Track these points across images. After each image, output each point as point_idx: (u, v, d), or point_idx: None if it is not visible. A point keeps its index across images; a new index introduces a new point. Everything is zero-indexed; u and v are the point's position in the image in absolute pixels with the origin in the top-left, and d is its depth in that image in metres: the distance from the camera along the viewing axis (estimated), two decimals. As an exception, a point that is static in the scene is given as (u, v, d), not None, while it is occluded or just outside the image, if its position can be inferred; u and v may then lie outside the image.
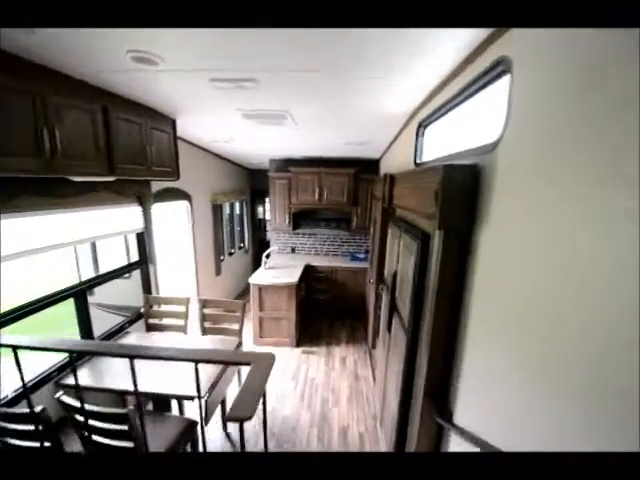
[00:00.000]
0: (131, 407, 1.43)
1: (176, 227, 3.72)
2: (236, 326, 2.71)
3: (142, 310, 2.85)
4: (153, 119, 2.34)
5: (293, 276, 3.73)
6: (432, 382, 1.28)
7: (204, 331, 2.80)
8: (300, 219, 4.74)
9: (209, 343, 2.49)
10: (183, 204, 3.60)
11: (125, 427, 1.44)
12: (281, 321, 3.70)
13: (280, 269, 4.12)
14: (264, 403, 1.50)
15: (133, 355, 1.29)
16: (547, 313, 0.76)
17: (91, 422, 1.47)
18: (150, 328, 2.82)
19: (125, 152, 2.06)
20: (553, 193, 0.76)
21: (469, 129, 1.44)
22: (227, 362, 1.70)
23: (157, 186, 2.97)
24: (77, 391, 1.50)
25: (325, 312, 4.59)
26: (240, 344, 2.60)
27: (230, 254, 5.27)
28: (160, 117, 2.44)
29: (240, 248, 5.80)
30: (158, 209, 3.18)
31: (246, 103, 2.12)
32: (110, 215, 2.43)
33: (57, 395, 1.49)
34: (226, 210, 5.17)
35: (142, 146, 2.22)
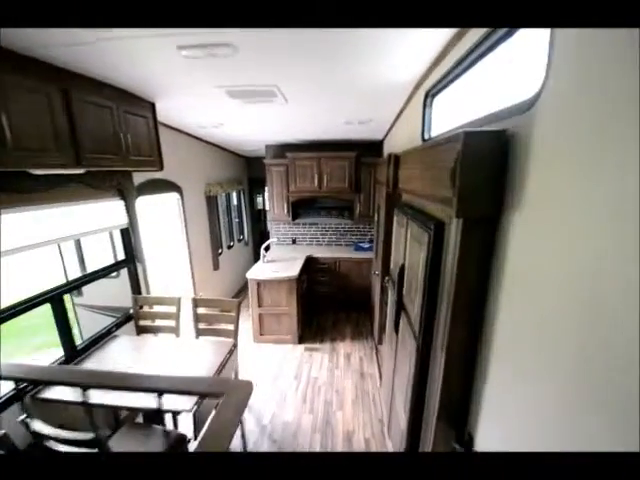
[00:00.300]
0: (103, 432, 1.25)
1: (167, 221, 3.52)
2: (231, 327, 2.53)
3: (131, 312, 2.68)
4: (128, 102, 2.11)
5: (293, 269, 3.53)
6: (447, 403, 1.07)
7: (198, 332, 2.63)
8: (300, 208, 4.50)
9: (202, 346, 2.31)
10: (173, 196, 3.39)
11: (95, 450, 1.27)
12: (282, 317, 3.52)
13: (280, 262, 3.92)
14: (243, 436, 1.30)
15: (85, 385, 1.10)
16: (606, 322, 0.53)
17: (60, 447, 1.31)
18: (141, 330, 2.67)
19: (94, 140, 1.84)
20: (618, 162, 0.52)
21: (489, 90, 1.18)
22: (195, 393, 1.50)
23: (141, 177, 2.76)
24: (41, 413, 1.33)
25: (329, 306, 4.41)
26: (235, 346, 2.43)
27: (229, 247, 5.08)
28: (136, 100, 2.20)
29: (240, 240, 5.61)
30: (144, 203, 2.98)
31: (227, 78, 1.86)
32: (87, 211, 2.23)
33: (20, 418, 1.32)
34: (222, 201, 4.96)
35: (115, 133, 1.99)
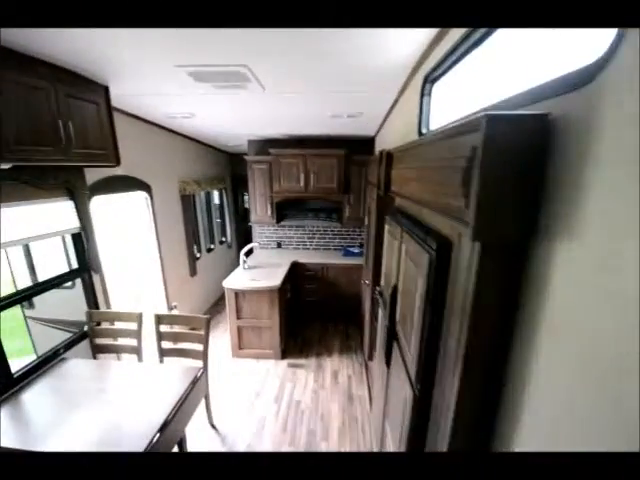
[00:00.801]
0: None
1: (134, 224, 3.19)
2: (200, 347, 2.23)
3: (86, 329, 2.36)
4: (71, 84, 1.79)
5: (276, 278, 3.24)
6: None
7: (162, 353, 2.32)
8: (285, 210, 4.21)
9: (165, 372, 2.01)
10: (139, 196, 3.06)
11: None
12: (263, 330, 3.23)
13: (262, 269, 3.62)
14: None
15: None
16: None
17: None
18: (98, 350, 2.35)
19: (23, 129, 1.52)
20: None
21: (512, 65, 0.91)
22: None
23: (97, 174, 2.43)
24: None
25: (316, 316, 4.13)
26: (204, 370, 2.13)
27: (209, 250, 4.76)
28: (82, 82, 1.88)
29: (222, 243, 5.29)
30: (102, 203, 2.65)
31: (187, 55, 1.56)
32: (28, 213, 1.90)
33: None
34: (201, 200, 4.63)
35: (52, 121, 1.67)
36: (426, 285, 0.95)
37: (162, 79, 1.92)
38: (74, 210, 2.21)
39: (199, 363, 2.24)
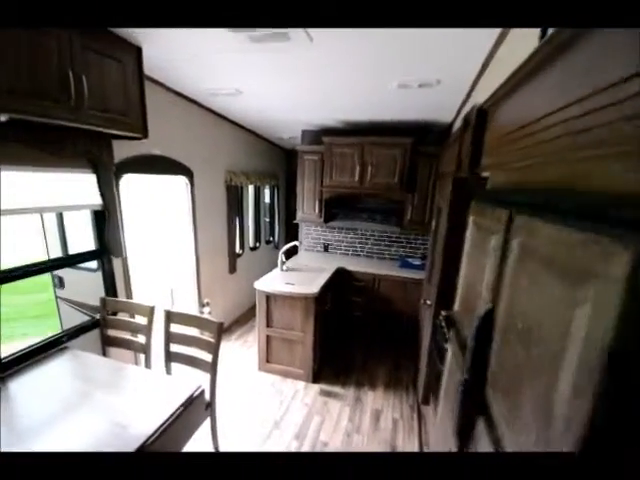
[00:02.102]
0: None
1: (170, 210, 3.01)
2: (209, 357, 1.83)
3: (98, 317, 2.15)
4: (93, 37, 1.56)
5: (315, 284, 2.74)
6: None
7: (169, 357, 1.98)
8: (335, 208, 3.71)
9: (159, 385, 1.63)
10: (179, 180, 2.86)
11: None
12: (294, 344, 2.74)
13: (302, 272, 3.16)
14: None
15: None
16: None
17: None
18: (108, 342, 2.11)
19: (19, 75, 1.29)
20: None
21: None
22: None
23: (129, 150, 2.24)
24: None
25: (360, 335, 3.51)
26: (212, 387, 1.72)
27: (254, 248, 4.49)
28: (109, 38, 1.65)
29: (268, 242, 5.01)
30: (137, 184, 2.47)
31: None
32: (38, 180, 1.73)
33: None
34: (250, 195, 4.40)
35: (60, 71, 1.44)
36: (614, 322, 0.33)
37: (201, 37, 1.60)
38: (96, 185, 2.02)
39: (207, 377, 1.84)
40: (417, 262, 3.43)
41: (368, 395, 2.66)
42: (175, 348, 1.97)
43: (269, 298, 2.71)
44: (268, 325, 2.76)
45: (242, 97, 2.63)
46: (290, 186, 5.52)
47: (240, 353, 3.23)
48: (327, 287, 2.89)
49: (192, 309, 3.27)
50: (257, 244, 4.64)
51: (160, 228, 3.02)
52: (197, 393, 1.55)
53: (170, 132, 2.63)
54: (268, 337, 2.80)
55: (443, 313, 2.22)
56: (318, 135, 3.51)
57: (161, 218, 2.99)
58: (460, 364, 1.04)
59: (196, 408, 1.58)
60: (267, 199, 5.15)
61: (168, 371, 2.00)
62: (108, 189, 2.07)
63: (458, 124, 2.60)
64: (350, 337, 3.53)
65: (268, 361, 2.87)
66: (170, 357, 1.97)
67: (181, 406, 1.44)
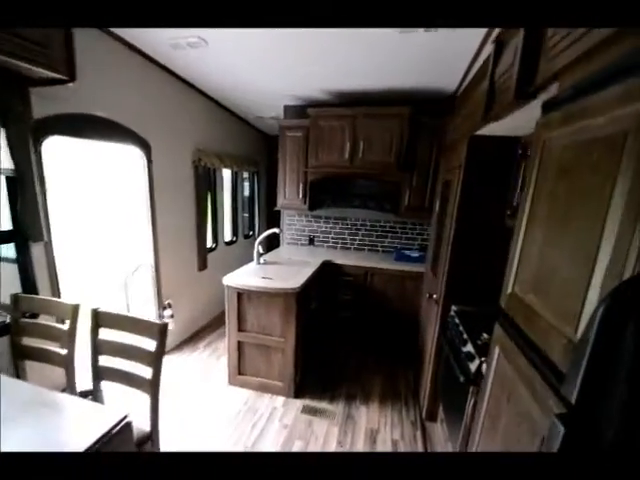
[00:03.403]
0: None
1: (122, 189, 2.52)
2: (148, 373, 1.36)
3: (8, 320, 1.65)
4: None
5: (296, 278, 2.30)
6: None
7: (98, 374, 1.50)
8: (323, 193, 3.29)
9: (61, 419, 1.15)
10: (132, 153, 2.38)
11: None
12: (272, 352, 2.29)
13: (282, 265, 2.72)
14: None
15: None
16: None
17: None
18: (21, 354, 1.61)
19: None
20: None
21: None
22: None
23: (63, 107, 1.76)
24: None
25: (350, 339, 3.09)
26: (127, 429, 1.24)
27: (230, 243, 4.02)
28: None
29: (247, 237, 4.54)
30: (77, 151, 1.99)
31: None
32: None
33: None
34: (226, 182, 3.93)
35: None
36: None
37: None
38: (4, 142, 1.53)
39: (146, 401, 1.38)
40: (415, 254, 3.05)
41: (361, 411, 2.23)
42: (106, 361, 1.50)
43: (241, 296, 2.25)
44: (240, 329, 2.30)
45: (208, 53, 2.18)
46: (272, 176, 5.05)
47: (208, 365, 2.74)
48: (312, 282, 2.46)
49: (150, 313, 2.78)
50: (234, 238, 4.17)
51: (108, 209, 2.52)
52: (117, 429, 1.08)
53: (120, 93, 2.16)
54: (240, 344, 2.34)
55: (454, 308, 1.83)
56: (303, 110, 3.10)
57: (109, 197, 2.50)
58: (528, 376, 0.64)
59: (120, 447, 1.11)
60: (247, 191, 4.69)
61: (96, 393, 1.51)
62: (22, 150, 1.59)
63: (463, 97, 2.23)
64: (338, 341, 3.10)
65: (240, 373, 2.40)
66: (99, 373, 1.49)
67: (94, 444, 0.97)
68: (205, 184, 3.22)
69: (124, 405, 1.19)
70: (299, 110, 3.21)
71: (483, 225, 1.77)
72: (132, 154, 2.39)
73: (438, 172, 2.65)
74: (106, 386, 1.52)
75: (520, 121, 1.22)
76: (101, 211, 2.63)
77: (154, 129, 2.51)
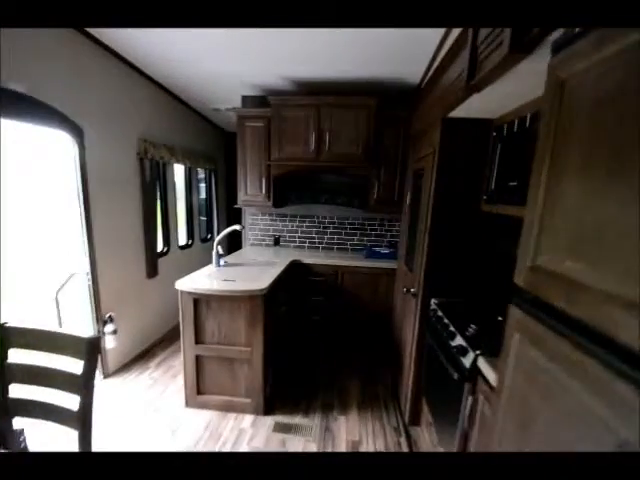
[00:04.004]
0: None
1: (49, 180, 2.12)
2: (74, 402, 1.06)
3: None
4: None
5: (263, 279, 2.07)
6: None
7: (6, 409, 1.15)
8: (288, 189, 3.10)
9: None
10: (60, 138, 2.00)
11: None
12: (237, 365, 2.02)
13: (245, 267, 2.47)
14: None
15: None
16: None
17: None
18: None
19: None
20: None
21: None
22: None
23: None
24: None
25: (322, 344, 2.90)
26: None
27: (184, 247, 3.64)
28: None
29: (205, 240, 4.17)
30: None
31: None
32: None
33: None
34: (179, 179, 3.57)
35: None
36: None
37: None
38: None
39: (73, 436, 1.07)
40: (385, 251, 2.96)
41: (339, 422, 2.04)
42: (20, 391, 1.15)
43: (199, 302, 1.96)
44: (198, 341, 2.01)
45: (154, 34, 1.91)
46: (232, 175, 4.75)
47: (161, 386, 2.38)
48: (280, 283, 2.25)
49: (87, 329, 2.36)
50: (189, 241, 3.79)
51: (33, 206, 2.10)
52: None
53: (44, 65, 1.80)
54: (199, 358, 2.04)
55: (435, 301, 1.73)
56: (263, 101, 2.89)
57: (34, 191, 2.08)
58: (578, 364, 0.50)
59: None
60: (204, 192, 4.34)
61: (7, 434, 1.15)
62: None
63: (429, 89, 2.19)
64: (310, 346, 2.90)
65: (200, 392, 2.09)
66: (9, 408, 1.14)
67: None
68: (154, 180, 2.87)
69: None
70: (259, 101, 3.00)
71: (460, 212, 1.70)
72: (60, 139, 2.00)
73: (406, 164, 2.60)
74: (24, 424, 1.17)
75: (508, 88, 1.14)
76: (24, 208, 2.18)
77: (88, 112, 2.14)
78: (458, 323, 1.43)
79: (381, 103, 2.59)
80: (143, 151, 2.69)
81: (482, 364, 1.13)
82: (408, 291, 1.93)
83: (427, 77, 2.38)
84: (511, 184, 1.39)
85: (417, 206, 2.00)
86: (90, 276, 2.29)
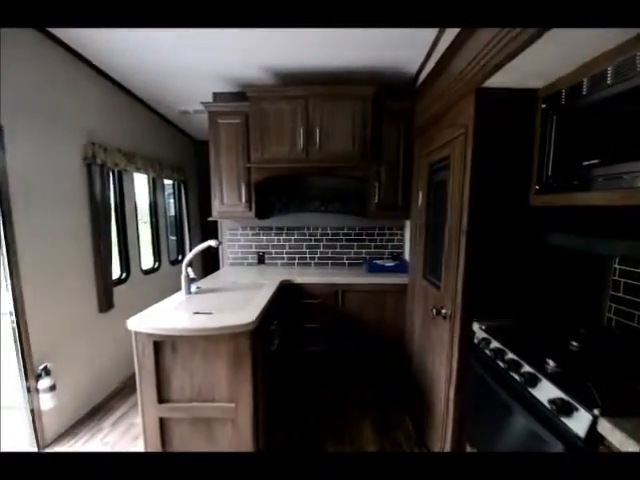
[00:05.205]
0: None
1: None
2: None
3: None
4: None
5: (248, 309, 1.59)
6: None
7: None
8: (271, 197, 2.66)
9: None
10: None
11: None
12: (217, 425, 1.50)
13: (224, 292, 1.98)
14: None
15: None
16: None
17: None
18: None
19: None
20: None
21: None
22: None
23: None
24: None
25: (322, 381, 2.40)
26: None
27: (149, 271, 3.08)
28: None
29: (175, 262, 3.61)
30: None
31: None
32: None
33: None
34: (142, 191, 3.05)
35: None
36: None
37: None
38: None
39: None
40: (389, 263, 2.56)
41: (358, 493, 1.55)
42: None
43: (161, 346, 1.45)
44: (162, 399, 1.47)
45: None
46: (205, 188, 4.27)
47: (120, 449, 1.80)
48: (271, 311, 1.77)
49: (14, 387, 1.77)
50: (156, 264, 3.23)
51: None
52: None
53: None
54: (163, 422, 1.50)
55: (480, 326, 1.33)
56: (239, 98, 2.48)
57: None
58: None
59: None
60: (172, 209, 3.81)
61: None
62: None
63: (428, 81, 1.87)
64: (308, 386, 2.40)
65: (167, 468, 1.54)
66: None
67: None
68: (106, 192, 2.34)
69: None
70: (234, 98, 2.58)
71: (505, 207, 1.34)
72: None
73: (411, 162, 2.25)
74: None
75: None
76: None
77: (11, 105, 1.64)
78: (529, 358, 1.03)
79: (378, 94, 2.25)
80: (91, 156, 2.18)
81: (607, 430, 0.72)
82: (439, 313, 1.52)
83: (424, 68, 2.06)
84: (587, 163, 1.04)
85: (440, 205, 1.63)
86: (14, 317, 1.72)
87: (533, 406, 0.94)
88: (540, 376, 0.94)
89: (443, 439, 1.54)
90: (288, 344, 2.29)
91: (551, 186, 1.21)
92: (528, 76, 1.19)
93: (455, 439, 1.46)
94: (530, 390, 0.96)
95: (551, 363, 0.98)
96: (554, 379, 0.90)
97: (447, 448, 1.50)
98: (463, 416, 1.41)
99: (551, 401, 0.85)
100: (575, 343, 1.12)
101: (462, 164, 1.36)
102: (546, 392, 0.90)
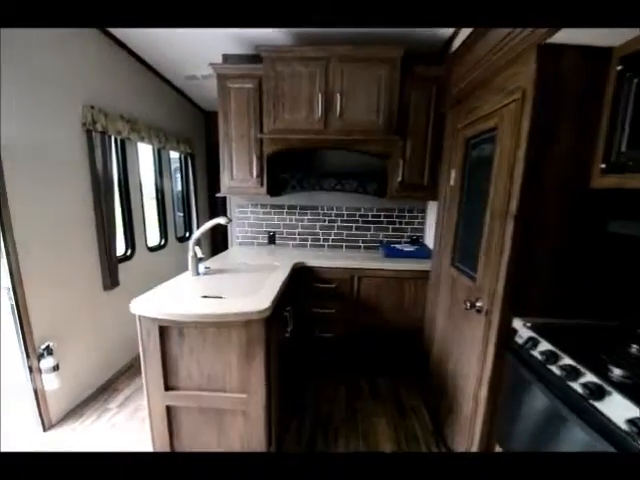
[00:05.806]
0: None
1: None
2: None
3: None
4: None
5: (261, 292, 1.47)
6: None
7: None
8: (285, 171, 2.48)
9: None
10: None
11: None
12: (227, 416, 1.42)
13: (233, 275, 1.86)
14: None
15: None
16: None
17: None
18: None
19: None
20: None
21: None
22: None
23: None
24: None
25: (335, 369, 2.32)
26: None
27: (155, 248, 2.97)
28: None
29: (183, 239, 3.49)
30: None
31: None
32: None
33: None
34: (148, 161, 2.88)
35: None
36: None
37: None
38: None
39: None
40: (409, 248, 2.41)
41: (374, 489, 1.48)
42: None
43: (168, 332, 1.34)
44: (169, 386, 1.38)
45: None
46: (214, 162, 4.08)
47: (126, 435, 1.76)
48: (284, 297, 1.64)
49: (14, 366, 1.70)
50: (162, 241, 3.11)
51: None
52: None
53: None
54: (171, 410, 1.42)
55: (525, 323, 1.18)
56: (251, 60, 2.25)
57: None
58: None
59: None
60: (178, 183, 3.65)
61: None
62: None
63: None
64: (320, 374, 2.31)
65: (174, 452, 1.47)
66: None
67: None
68: (105, 159, 2.17)
69: None
70: (246, 60, 2.35)
71: (558, 191, 1.15)
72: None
73: (440, 137, 2.03)
74: None
75: None
76: None
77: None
78: (589, 364, 0.89)
79: (407, 58, 2.01)
80: (91, 121, 2.01)
81: None
82: (472, 306, 1.37)
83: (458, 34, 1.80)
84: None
85: (478, 186, 1.44)
86: (12, 293, 1.62)
87: (600, 423, 0.80)
88: (609, 388, 0.80)
89: (470, 439, 1.43)
90: (301, 330, 2.19)
91: (624, 165, 1.02)
92: (601, 31, 0.97)
93: (484, 440, 1.35)
94: (595, 404, 0.82)
95: (616, 371, 0.84)
96: (628, 393, 0.76)
97: (474, 448, 1.40)
98: (495, 418, 1.30)
99: (631, 422, 0.72)
100: (636, 346, 0.97)
101: (514, 136, 1.16)
102: (619, 408, 0.76)
